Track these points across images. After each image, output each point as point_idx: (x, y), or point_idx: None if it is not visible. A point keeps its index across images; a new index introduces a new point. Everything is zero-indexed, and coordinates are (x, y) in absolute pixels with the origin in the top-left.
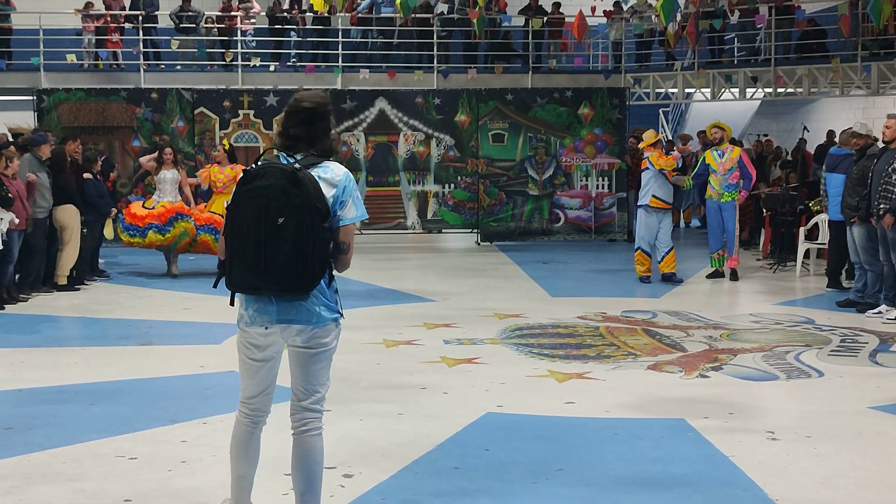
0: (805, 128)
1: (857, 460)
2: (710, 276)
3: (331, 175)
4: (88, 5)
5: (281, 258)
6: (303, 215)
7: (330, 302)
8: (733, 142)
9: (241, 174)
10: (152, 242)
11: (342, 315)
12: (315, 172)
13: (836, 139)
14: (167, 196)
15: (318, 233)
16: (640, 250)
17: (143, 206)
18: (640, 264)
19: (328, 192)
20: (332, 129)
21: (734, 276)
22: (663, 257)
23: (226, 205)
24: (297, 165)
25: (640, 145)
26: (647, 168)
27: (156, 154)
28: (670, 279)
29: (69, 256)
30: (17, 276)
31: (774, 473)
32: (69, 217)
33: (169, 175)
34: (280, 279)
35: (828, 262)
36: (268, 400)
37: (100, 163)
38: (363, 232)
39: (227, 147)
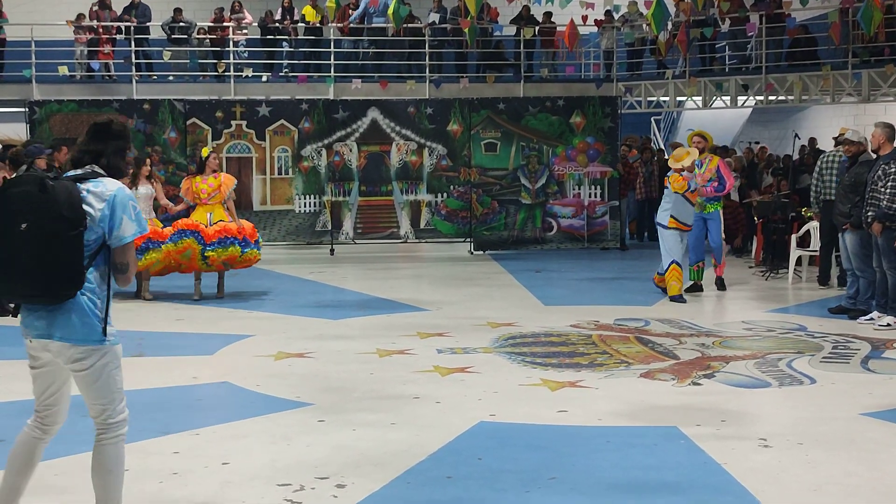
0: (796, 135)
1: (850, 467)
2: (687, 290)
3: (101, 189)
4: (80, 17)
5: (22, 264)
6: (46, 222)
7: (91, 320)
8: (716, 151)
9: (4, 183)
10: None
11: (107, 338)
12: (85, 186)
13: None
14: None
15: (66, 241)
16: (675, 264)
17: None
18: (676, 280)
19: (96, 206)
20: (129, 152)
21: (721, 285)
22: (663, 275)
23: (208, 216)
24: (54, 175)
25: (672, 159)
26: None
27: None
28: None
29: None
30: None
31: (767, 481)
32: None
33: (143, 191)
34: (21, 285)
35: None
36: (54, 412)
37: None
38: (357, 242)
39: (205, 155)
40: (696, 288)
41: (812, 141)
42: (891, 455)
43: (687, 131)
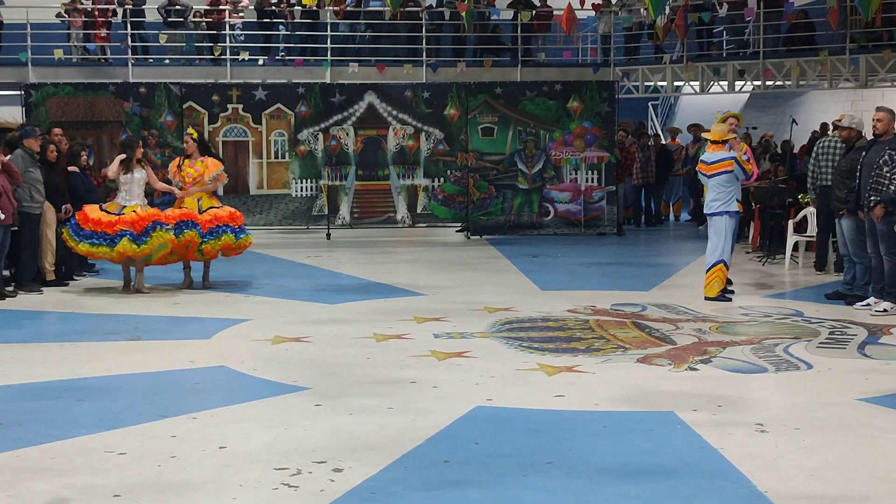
0: (794, 120)
1: (846, 452)
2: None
3: None
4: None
5: None
6: None
7: None
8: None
9: None
10: (124, 252)
11: None
12: None
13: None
14: (135, 199)
15: None
16: (723, 263)
17: (104, 210)
18: (719, 281)
19: None
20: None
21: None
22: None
23: (197, 203)
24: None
25: (709, 136)
26: (728, 170)
27: (122, 156)
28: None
29: (47, 251)
30: (10, 271)
31: (763, 466)
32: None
33: (137, 175)
34: None
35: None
36: None
37: (84, 156)
38: (353, 226)
39: (194, 136)
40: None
41: (824, 126)
42: (887, 440)
43: (719, 112)
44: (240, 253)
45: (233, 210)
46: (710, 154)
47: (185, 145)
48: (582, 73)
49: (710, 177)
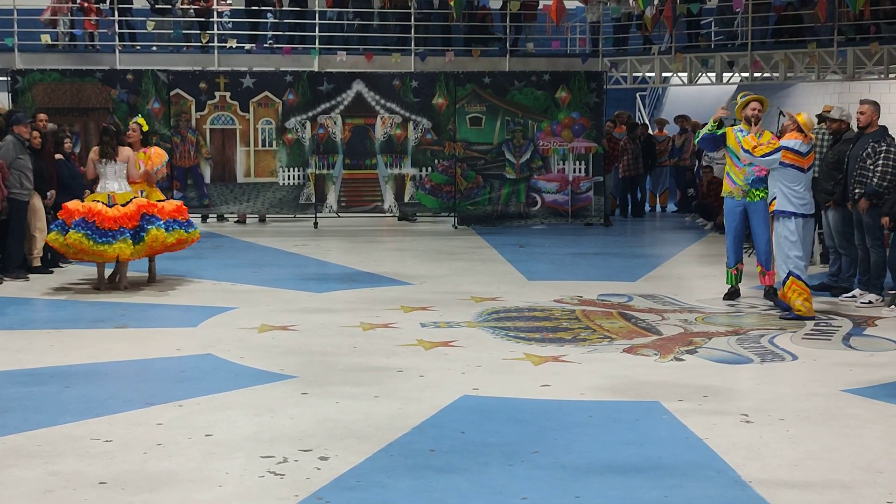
0: (781, 112)
1: (830, 442)
2: (726, 298)
3: None
4: None
5: None
6: None
7: None
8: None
9: None
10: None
11: None
12: None
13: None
14: (126, 188)
15: None
16: (794, 276)
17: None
18: (799, 296)
19: None
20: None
21: (771, 295)
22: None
23: (141, 194)
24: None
25: (788, 124)
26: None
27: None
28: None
29: (35, 238)
30: None
31: (748, 455)
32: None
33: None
34: None
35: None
36: None
37: (68, 143)
38: (340, 215)
39: (144, 128)
40: (735, 294)
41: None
42: (871, 431)
43: (740, 97)
44: (186, 247)
45: (178, 203)
46: (798, 142)
47: (132, 134)
48: (570, 63)
49: (806, 170)
